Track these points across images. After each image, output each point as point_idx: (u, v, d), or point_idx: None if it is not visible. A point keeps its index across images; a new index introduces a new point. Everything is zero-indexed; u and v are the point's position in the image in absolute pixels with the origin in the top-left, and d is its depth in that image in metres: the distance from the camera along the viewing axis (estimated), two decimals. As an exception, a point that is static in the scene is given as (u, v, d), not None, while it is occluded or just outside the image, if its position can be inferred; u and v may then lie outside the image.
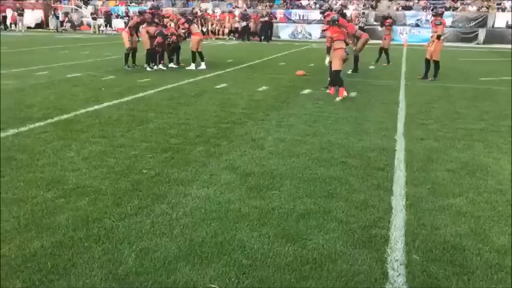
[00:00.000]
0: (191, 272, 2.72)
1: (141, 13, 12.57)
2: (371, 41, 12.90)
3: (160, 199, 3.77)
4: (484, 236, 3.25)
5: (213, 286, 2.59)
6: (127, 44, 12.15)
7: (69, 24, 34.19)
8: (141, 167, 4.53)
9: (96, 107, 7.34)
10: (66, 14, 35.13)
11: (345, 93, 8.46)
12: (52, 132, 5.74)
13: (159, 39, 12.07)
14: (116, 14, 33.85)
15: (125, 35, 12.26)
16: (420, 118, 7.07)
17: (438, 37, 10.88)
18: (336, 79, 8.79)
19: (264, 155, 5.04)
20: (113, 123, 6.32)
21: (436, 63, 11.05)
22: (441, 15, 11.36)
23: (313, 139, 5.74)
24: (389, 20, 14.86)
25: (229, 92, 9.18)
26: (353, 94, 9.12)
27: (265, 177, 4.35)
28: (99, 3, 36.67)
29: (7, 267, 2.72)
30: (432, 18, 11.80)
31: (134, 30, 12.30)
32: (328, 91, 9.20)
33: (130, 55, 12.29)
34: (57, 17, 34.15)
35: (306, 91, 9.34)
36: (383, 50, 14.79)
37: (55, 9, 35.14)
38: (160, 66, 12.62)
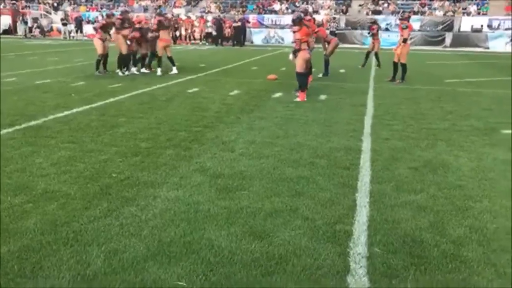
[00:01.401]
0: (159, 271, 2.77)
1: (108, 16, 12.58)
2: (342, 45, 13.21)
3: (130, 201, 3.81)
4: (442, 229, 3.41)
5: (180, 283, 2.65)
6: (100, 51, 12.07)
7: (38, 30, 33.59)
8: (111, 171, 4.55)
9: (65, 113, 7.28)
10: (35, 19, 34.49)
11: (304, 98, 8.67)
12: (20, 139, 5.68)
13: (135, 33, 12.03)
14: (87, 20, 33.45)
15: (97, 41, 12.15)
16: (387, 119, 7.28)
17: (405, 40, 11.18)
18: (299, 80, 8.92)
19: (234, 157, 5.12)
20: (82, 128, 6.29)
21: (403, 66, 11.37)
22: (407, 19, 11.70)
23: (282, 141, 5.85)
24: (374, 26, 15.22)
25: (201, 96, 9.23)
26: (323, 97, 9.31)
27: (234, 178, 4.43)
28: (69, 8, 36.17)
29: (-27, 272, 2.71)
30: (399, 22, 12.05)
31: (103, 33, 12.13)
32: (297, 95, 9.37)
33: (102, 60, 12.22)
34: (26, 23, 33.52)
35: (277, 95, 9.47)
36: (373, 54, 15.13)
37: (24, 14, 34.45)
38: (143, 70, 12.67)
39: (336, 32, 26.00)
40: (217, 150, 5.38)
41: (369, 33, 16.11)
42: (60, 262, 2.85)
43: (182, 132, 6.18)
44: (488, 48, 27.21)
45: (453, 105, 8.67)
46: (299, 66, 8.73)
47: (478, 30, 28.50)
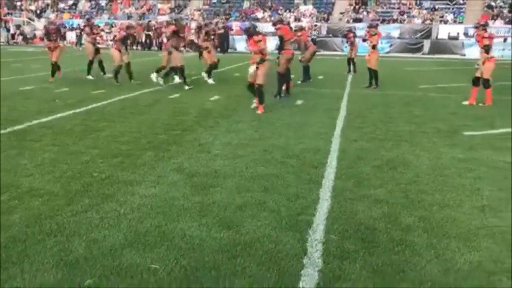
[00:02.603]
0: (135, 257, 3.07)
1: (128, 27, 12.68)
2: (323, 52, 13.61)
3: (109, 198, 4.10)
4: (394, 218, 3.77)
5: (154, 266, 2.95)
6: (117, 61, 11.97)
7: (21, 37, 33.50)
8: (92, 171, 4.83)
9: (49, 118, 7.52)
10: (18, 26, 34.41)
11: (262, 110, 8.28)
12: (5, 142, 5.92)
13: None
14: (70, 27, 33.45)
15: (115, 52, 11.99)
16: (357, 122, 7.68)
17: (374, 46, 11.67)
18: (260, 94, 8.38)
19: (210, 157, 5.44)
20: (65, 132, 6.55)
21: (374, 71, 11.84)
22: (376, 26, 12.25)
23: (257, 142, 6.19)
24: (350, 34, 15.72)
25: (182, 101, 9.54)
26: (299, 102, 9.70)
27: (209, 176, 4.75)
28: (53, 16, 36.15)
29: (-36, 259, 2.98)
30: (367, 29, 12.53)
31: (121, 44, 12.07)
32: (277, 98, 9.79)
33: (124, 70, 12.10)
34: (8, 30, 33.41)
35: (255, 100, 9.80)
36: (351, 60, 15.64)
37: (6, 21, 34.35)
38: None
39: (317, 39, 26.52)
40: (194, 151, 5.70)
41: (347, 41, 16.61)
42: (44, 250, 3.13)
43: (161, 135, 6.48)
44: (464, 55, 28.00)
45: (422, 109, 9.12)
46: (262, 78, 8.28)
47: (455, 38, 29.33)
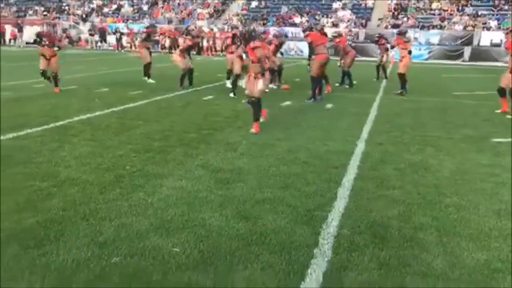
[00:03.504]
0: (158, 240, 3.33)
1: (194, 37, 13.03)
2: (360, 58, 13.60)
3: (139, 188, 4.40)
4: (408, 218, 3.88)
5: (175, 249, 3.20)
6: (182, 65, 12.06)
7: (67, 40, 35.03)
8: (125, 164, 5.16)
9: (88, 115, 7.99)
10: (64, 30, 36.03)
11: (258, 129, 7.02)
12: (47, 136, 6.37)
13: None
14: (114, 31, 34.68)
15: (177, 57, 12.20)
16: (386, 127, 7.74)
17: (410, 52, 11.68)
18: (256, 110, 7.12)
19: (235, 155, 5.68)
20: (103, 129, 6.96)
21: (401, 76, 11.74)
22: (405, 33, 12.28)
23: (283, 143, 6.38)
24: (382, 41, 15.65)
25: (214, 103, 9.85)
26: (329, 105, 9.82)
27: (232, 172, 4.98)
28: (97, 20, 37.63)
29: (6, 235, 3.32)
30: (396, 36, 12.42)
31: (186, 54, 12.27)
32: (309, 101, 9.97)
33: (187, 75, 12.19)
34: (56, 33, 35.01)
35: (287, 103, 10.02)
36: (382, 67, 15.56)
37: (54, 25, 36.01)
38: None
39: (353, 45, 26.43)
40: (221, 149, 5.95)
41: (378, 48, 16.36)
42: (78, 231, 3.44)
43: (192, 134, 6.78)
44: (507, 62, 27.18)
45: (453, 116, 9.05)
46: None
47: (497, 45, 28.50)
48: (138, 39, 32.50)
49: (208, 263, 3.04)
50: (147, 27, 13.28)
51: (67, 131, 6.75)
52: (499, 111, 9.38)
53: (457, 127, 7.85)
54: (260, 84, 6.99)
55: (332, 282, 2.84)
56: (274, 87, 12.51)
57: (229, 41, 13.21)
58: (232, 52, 11.74)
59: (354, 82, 13.96)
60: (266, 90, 7.44)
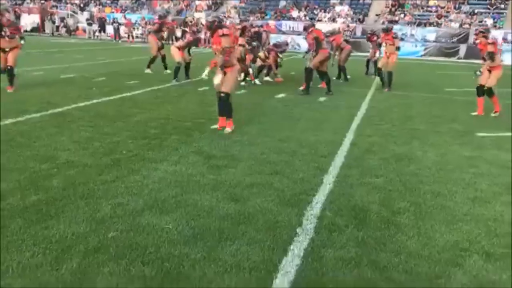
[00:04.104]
0: (152, 218, 3.57)
1: (194, 32, 13.11)
2: (356, 53, 13.78)
3: (135, 171, 4.62)
4: (387, 203, 4.12)
5: (167, 226, 3.43)
6: (178, 59, 11.83)
7: (64, 29, 35.03)
8: (122, 149, 5.39)
9: (86, 103, 8.19)
10: (62, 19, 35.99)
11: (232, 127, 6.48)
12: (46, 122, 6.58)
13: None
14: (111, 21, 34.68)
15: (175, 52, 11.94)
16: (376, 120, 7.98)
17: (397, 49, 11.76)
18: (226, 106, 6.52)
19: (229, 144, 5.91)
20: (100, 116, 7.16)
21: (389, 73, 11.81)
22: (391, 29, 12.37)
23: (275, 133, 6.61)
24: (373, 38, 15.83)
25: (210, 94, 10.01)
26: (322, 99, 10.05)
27: (225, 159, 5.21)
28: (95, 9, 37.58)
29: (10, 211, 3.54)
30: (382, 34, 12.49)
31: (185, 49, 12.21)
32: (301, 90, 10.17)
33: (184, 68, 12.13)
34: (53, 22, 35.01)
35: (280, 95, 10.24)
36: (372, 63, 15.73)
37: (52, 14, 35.97)
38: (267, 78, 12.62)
39: (350, 40, 26.61)
40: (215, 137, 6.18)
41: (371, 43, 16.43)
42: (77, 208, 3.67)
43: (187, 123, 7.00)
44: (502, 60, 27.45)
45: (442, 111, 9.30)
46: (230, 85, 6.48)
47: (492, 43, 28.75)
48: (139, 29, 32.67)
49: (198, 239, 3.28)
50: (159, 17, 13.05)
51: (65, 117, 6.95)
52: (475, 113, 9.02)
53: (445, 122, 8.10)
54: (229, 78, 6.37)
55: (312, 257, 3.09)
56: (270, 79, 12.75)
57: (238, 33, 13.27)
58: (241, 45, 11.94)
59: (349, 76, 14.18)
60: (243, 83, 7.32)
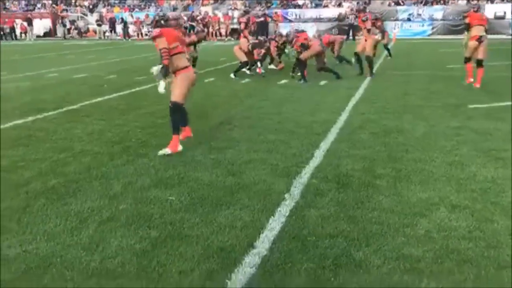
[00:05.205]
0: (158, 192, 4.05)
1: (199, 31, 13.24)
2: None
3: (143, 156, 5.11)
4: (371, 170, 4.53)
5: (170, 198, 3.91)
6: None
7: (75, 31, 35.80)
8: (131, 137, 5.89)
9: (98, 99, 8.72)
10: (72, 22, 36.77)
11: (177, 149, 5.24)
12: (62, 118, 7.12)
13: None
14: (120, 20, 35.31)
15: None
16: (372, 99, 8.33)
17: (368, 31, 11.07)
18: (172, 118, 5.35)
19: (229, 128, 6.36)
20: (112, 110, 7.68)
21: (368, 58, 11.15)
22: (363, 10, 11.73)
23: (273, 116, 7.03)
24: (378, 22, 15.81)
25: (215, 85, 10.52)
26: (323, 82, 10.40)
27: (226, 141, 5.67)
28: (104, 10, 38.27)
29: (34, 193, 4.06)
30: (358, 15, 11.75)
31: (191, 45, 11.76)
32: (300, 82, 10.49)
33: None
34: (64, 25, 35.79)
35: (282, 81, 10.63)
36: (384, 46, 15.76)
37: (62, 17, 36.76)
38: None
39: (355, 24, 26.67)
40: (218, 123, 6.63)
41: (378, 31, 16.36)
42: (92, 188, 4.17)
43: (193, 111, 7.43)
44: (511, 35, 27.28)
45: (440, 87, 9.57)
46: (182, 93, 5.37)
47: (501, 17, 28.55)
48: (145, 27, 33.22)
49: (198, 206, 3.75)
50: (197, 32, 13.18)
51: (79, 113, 7.49)
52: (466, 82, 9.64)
53: (440, 97, 8.40)
54: (174, 85, 5.32)
55: (296, 216, 3.52)
56: (274, 67, 13.13)
57: (242, 26, 13.59)
58: (245, 37, 12.27)
59: (352, 59, 14.44)
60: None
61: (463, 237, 3.14)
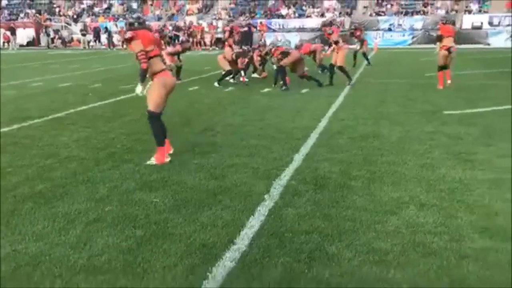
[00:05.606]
0: (143, 195, 4.21)
1: (183, 42, 13.44)
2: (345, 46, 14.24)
3: (128, 161, 5.26)
4: (347, 172, 4.75)
5: (155, 200, 4.07)
6: (168, 62, 12.07)
7: (59, 41, 35.70)
8: (116, 144, 6.04)
9: (83, 107, 8.84)
10: (56, 31, 36.66)
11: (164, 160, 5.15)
12: (48, 125, 7.23)
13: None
14: (104, 30, 35.32)
15: (166, 56, 11.97)
16: (351, 106, 8.61)
17: (336, 43, 11.28)
18: (152, 128, 5.26)
19: (213, 134, 6.55)
20: (97, 118, 7.81)
21: (340, 68, 11.49)
22: (329, 24, 11.81)
23: (256, 123, 7.25)
24: (358, 32, 16.32)
25: (199, 93, 10.71)
26: (304, 90, 10.66)
27: (209, 146, 5.85)
28: (88, 20, 38.24)
29: (22, 197, 4.19)
30: (323, 28, 11.87)
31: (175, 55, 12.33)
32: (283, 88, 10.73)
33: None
34: (48, 35, 35.69)
35: (265, 90, 10.87)
36: (362, 55, 16.21)
37: (46, 27, 36.65)
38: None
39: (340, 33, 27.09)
40: (201, 129, 6.81)
41: (356, 41, 16.79)
42: (78, 191, 4.31)
43: (176, 119, 7.63)
44: (489, 44, 28.07)
45: (418, 94, 9.91)
46: (156, 103, 5.24)
47: (478, 27, 29.37)
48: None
49: (181, 207, 3.92)
50: (183, 42, 13.22)
51: (64, 121, 7.60)
52: (441, 87, 10.54)
53: (417, 104, 8.72)
54: (150, 90, 5.17)
55: (274, 215, 3.72)
56: (257, 76, 13.38)
57: (227, 34, 13.85)
58: (230, 46, 12.41)
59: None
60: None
61: (429, 232, 3.37)
